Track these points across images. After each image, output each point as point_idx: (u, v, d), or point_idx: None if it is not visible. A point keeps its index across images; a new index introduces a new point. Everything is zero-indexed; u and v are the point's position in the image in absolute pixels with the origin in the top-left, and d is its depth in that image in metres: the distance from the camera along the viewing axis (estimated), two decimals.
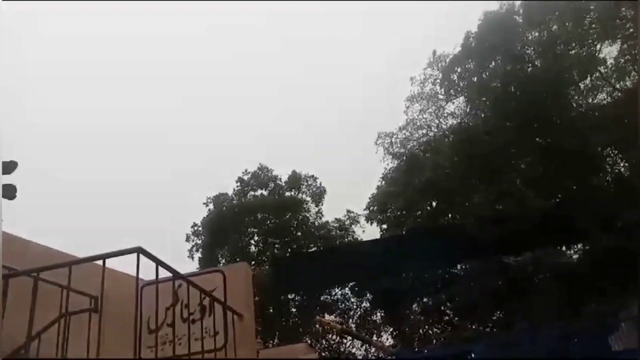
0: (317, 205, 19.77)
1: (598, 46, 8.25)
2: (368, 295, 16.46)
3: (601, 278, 6.81)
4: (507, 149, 6.84)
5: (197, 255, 18.73)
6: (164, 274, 5.95)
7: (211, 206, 19.66)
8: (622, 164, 6.91)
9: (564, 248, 8.57)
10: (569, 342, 6.10)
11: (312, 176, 20.07)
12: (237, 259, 15.91)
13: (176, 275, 6.06)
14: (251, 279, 8.53)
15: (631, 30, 6.80)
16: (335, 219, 19.27)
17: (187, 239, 19.31)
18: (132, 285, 5.34)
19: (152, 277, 5.74)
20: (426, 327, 13.90)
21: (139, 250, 5.49)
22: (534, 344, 6.74)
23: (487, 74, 10.71)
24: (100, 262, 5.01)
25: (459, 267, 14.28)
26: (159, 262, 5.80)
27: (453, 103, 16.21)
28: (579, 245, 6.97)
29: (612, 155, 7.03)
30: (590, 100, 8.50)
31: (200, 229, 19.34)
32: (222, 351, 7.21)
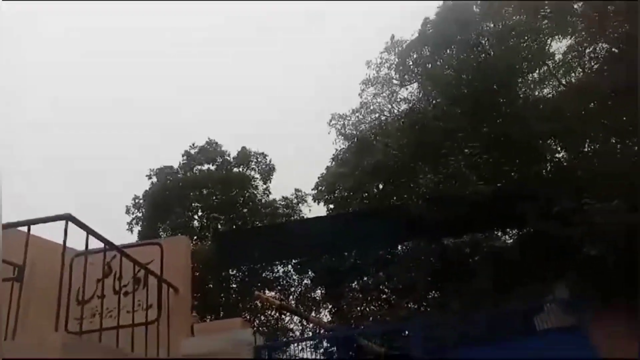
0: (265, 183, 19.53)
1: (549, 41, 8.46)
2: (310, 273, 16.53)
3: (535, 262, 7.06)
4: (455, 135, 6.92)
5: (137, 228, 18.12)
6: (98, 245, 5.64)
7: (154, 179, 19.02)
8: (562, 154, 7.15)
9: (501, 232, 8.83)
10: (497, 320, 6.28)
11: (262, 153, 19.77)
12: (179, 234, 15.50)
13: (108, 245, 5.75)
14: (190, 253, 8.30)
15: (582, 26, 6.98)
16: (283, 197, 19.13)
17: (127, 211, 18.64)
18: (61, 255, 5.01)
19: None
20: (364, 305, 14.10)
21: (68, 218, 5.14)
22: (465, 322, 6.91)
23: (442, 61, 10.79)
24: (26, 230, 4.64)
25: (400, 247, 14.54)
26: (89, 231, 5.47)
27: (407, 89, 16.34)
28: (516, 230, 7.17)
29: (554, 145, 7.26)
30: (537, 93, 8.75)
31: (141, 201, 18.69)
32: (155, 324, 6.98)
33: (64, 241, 4.86)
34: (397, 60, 15.86)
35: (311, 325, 8.08)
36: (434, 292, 13.16)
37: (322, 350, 14.19)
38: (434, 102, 9.83)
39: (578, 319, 6.15)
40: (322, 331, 9.11)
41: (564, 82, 8.12)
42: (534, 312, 6.61)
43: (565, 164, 7.04)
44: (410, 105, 14.56)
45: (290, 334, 14.53)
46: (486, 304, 8.78)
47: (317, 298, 16.44)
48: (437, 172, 6.80)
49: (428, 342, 6.80)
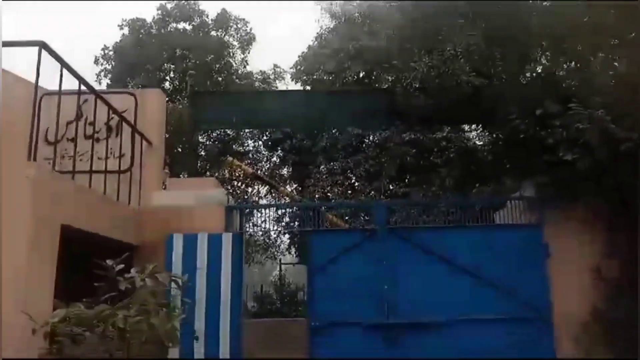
0: (243, 53, 18.74)
1: None
2: (279, 151, 16.63)
3: (509, 161, 7.24)
4: (454, 22, 6.63)
5: (106, 81, 17.40)
6: (68, 87, 5.34)
7: (126, 30, 17.92)
8: (555, 61, 7.05)
9: (480, 129, 8.93)
10: (460, 210, 6.55)
11: (243, 19, 18.70)
12: None
13: (83, 84, 5.45)
14: (165, 107, 8.05)
15: None
16: (260, 71, 18.55)
17: (96, 62, 17.74)
18: (32, 92, 4.74)
19: (55, 88, 5.12)
20: (329, 187, 14.46)
21: (42, 45, 4.78)
22: (427, 211, 7.19)
23: None
24: None
25: (373, 136, 14.64)
26: (63, 64, 5.14)
27: None
28: (495, 128, 7.24)
29: (548, 52, 7.13)
30: None
31: (111, 53, 17.75)
32: (127, 174, 6.95)
33: (37, 71, 4.59)
34: None
35: (281, 196, 8.22)
36: (399, 182, 13.53)
37: (289, 218, 14.79)
38: None
39: (538, 217, 6.49)
40: (293, 203, 9.33)
41: None
42: (497, 207, 6.91)
43: (557, 71, 6.95)
44: None
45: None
46: (449, 195, 9.17)
47: (285, 176, 16.71)
48: (429, 58, 6.60)
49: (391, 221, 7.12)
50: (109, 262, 3.60)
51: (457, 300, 6.25)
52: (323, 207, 7.83)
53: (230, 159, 9.97)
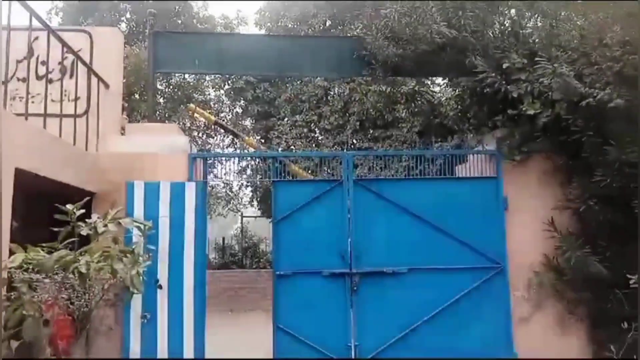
0: None
1: None
2: (242, 101, 16.26)
3: (472, 115, 7.31)
4: None
5: (57, 19, 16.34)
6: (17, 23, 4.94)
7: None
8: (523, 14, 7.03)
9: (445, 81, 8.92)
10: (420, 162, 6.62)
11: None
12: None
13: (36, 18, 5.07)
14: (122, 48, 7.64)
15: None
16: (223, 15, 17.83)
17: None
18: None
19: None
20: (293, 140, 14.35)
21: None
22: (391, 164, 7.24)
23: None
24: None
25: (337, 88, 14.49)
26: None
27: None
28: (459, 81, 7.24)
29: (517, 4, 7.10)
30: None
31: None
32: (83, 118, 6.64)
33: None
34: None
35: (245, 147, 8.06)
36: (363, 137, 13.54)
37: (252, 171, 14.64)
38: None
39: (498, 170, 6.64)
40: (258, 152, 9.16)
41: None
42: (459, 161, 7.02)
43: (524, 25, 6.96)
44: None
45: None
46: (412, 148, 9.24)
47: (248, 127, 16.43)
48: (403, 5, 6.45)
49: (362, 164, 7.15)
50: (69, 207, 3.45)
51: (418, 251, 6.41)
52: (289, 158, 7.74)
53: (191, 105, 9.61)
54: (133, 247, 3.45)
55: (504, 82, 6.32)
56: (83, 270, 3.04)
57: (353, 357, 6.14)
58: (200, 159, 6.48)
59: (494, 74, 6.33)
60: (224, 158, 6.97)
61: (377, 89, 11.68)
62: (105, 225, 3.34)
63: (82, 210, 3.46)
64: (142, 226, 3.57)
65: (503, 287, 6.39)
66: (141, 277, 3.42)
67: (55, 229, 3.35)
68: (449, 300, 6.29)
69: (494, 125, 6.86)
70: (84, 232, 3.34)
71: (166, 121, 15.52)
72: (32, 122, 5.22)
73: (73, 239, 3.45)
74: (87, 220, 3.42)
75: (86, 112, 6.48)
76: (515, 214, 6.53)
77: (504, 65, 6.36)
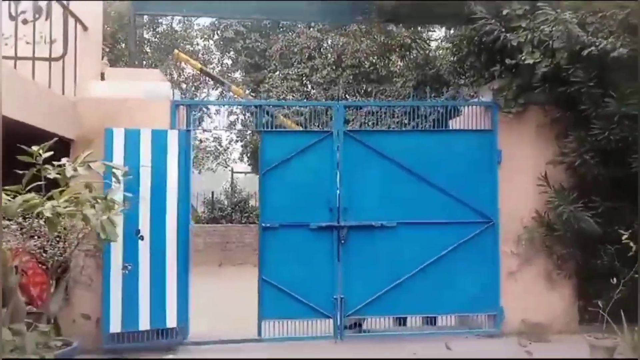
0: None
1: None
2: (232, 52, 15.76)
3: (469, 66, 7.04)
4: None
5: None
6: None
7: None
8: None
9: (441, 31, 8.58)
10: (413, 117, 6.37)
11: None
12: None
13: None
14: None
15: None
16: None
17: None
18: None
19: None
20: (283, 93, 14.00)
21: None
22: (383, 118, 6.99)
23: None
24: None
25: (330, 40, 14.05)
26: None
27: None
28: (454, 31, 6.93)
29: None
30: None
31: None
32: (60, 62, 6.27)
33: None
34: None
35: (233, 97, 7.74)
36: (356, 92, 13.22)
37: (242, 125, 14.32)
38: None
39: (493, 123, 6.43)
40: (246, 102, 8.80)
41: None
42: (452, 114, 6.79)
43: None
44: None
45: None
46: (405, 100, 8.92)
47: (237, 79, 15.99)
48: None
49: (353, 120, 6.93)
50: (35, 148, 3.21)
51: (408, 205, 6.26)
52: (278, 108, 7.46)
53: (176, 51, 9.19)
54: (106, 193, 3.23)
55: (503, 29, 6.01)
56: (48, 214, 2.84)
57: (338, 310, 6.08)
58: (183, 106, 6.20)
59: (492, 21, 6.02)
60: (208, 106, 6.66)
61: (371, 37, 11.22)
62: (75, 169, 3.12)
63: (50, 153, 3.22)
64: (116, 171, 3.35)
65: (493, 242, 6.29)
66: (115, 225, 3.23)
67: (20, 172, 3.12)
68: (437, 254, 6.19)
69: (491, 77, 6.61)
70: (50, 175, 3.12)
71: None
72: (4, 63, 4.91)
73: (40, 183, 3.22)
74: (54, 162, 3.19)
75: (63, 56, 6.11)
76: (508, 168, 6.37)
77: (504, 12, 6.05)
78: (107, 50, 8.33)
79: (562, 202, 5.85)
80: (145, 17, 14.40)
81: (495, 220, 6.30)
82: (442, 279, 6.18)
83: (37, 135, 5.00)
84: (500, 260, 6.29)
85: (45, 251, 3.97)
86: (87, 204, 3.05)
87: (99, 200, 3.17)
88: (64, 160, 3.33)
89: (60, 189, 3.15)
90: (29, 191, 3.15)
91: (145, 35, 15.45)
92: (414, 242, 6.20)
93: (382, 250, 6.18)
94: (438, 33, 9.37)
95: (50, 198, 3.04)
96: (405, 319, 6.52)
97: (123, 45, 13.67)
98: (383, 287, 6.12)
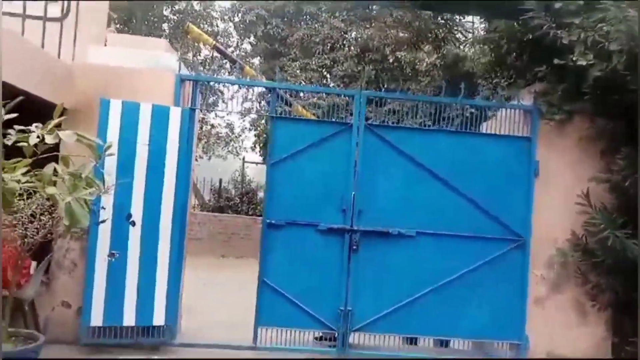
0: None
1: None
2: (252, 37, 15.19)
3: (509, 65, 6.38)
4: None
5: None
6: None
7: None
8: None
9: (484, 23, 7.89)
10: (443, 113, 5.72)
11: None
12: None
13: None
14: None
15: None
16: None
17: None
18: None
19: None
20: (301, 83, 13.37)
21: None
22: (405, 118, 6.33)
23: None
24: None
25: (355, 32, 13.40)
26: None
27: None
28: (499, 24, 6.24)
29: None
30: None
31: None
32: (58, 22, 5.66)
33: None
34: None
35: (243, 76, 7.14)
36: (376, 88, 12.56)
37: (253, 99, 13.67)
38: None
39: (532, 130, 5.77)
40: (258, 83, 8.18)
41: None
42: (484, 117, 6.12)
43: None
44: None
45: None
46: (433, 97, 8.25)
47: (255, 65, 15.40)
48: None
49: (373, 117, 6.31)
50: None
51: (431, 212, 5.62)
52: (292, 93, 6.85)
53: (189, 24, 8.56)
54: (79, 171, 2.66)
55: (553, 24, 5.33)
56: None
57: (343, 323, 5.46)
58: (190, 82, 5.60)
59: (543, 15, 5.34)
60: (223, 91, 6.06)
61: (401, 26, 10.48)
62: (40, 137, 2.54)
63: (13, 115, 2.64)
64: (94, 144, 2.76)
65: (522, 263, 5.62)
66: (87, 207, 2.66)
67: None
68: (459, 271, 5.54)
69: (533, 79, 5.94)
70: (8, 142, 2.54)
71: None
72: None
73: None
74: (15, 126, 2.61)
75: (63, 17, 5.53)
76: (544, 181, 5.70)
77: (556, 5, 5.36)
78: (118, 24, 7.76)
79: (608, 226, 5.15)
80: None
81: (526, 238, 5.63)
82: (462, 298, 5.52)
83: (29, 100, 4.45)
84: (529, 284, 5.63)
85: (14, 231, 3.41)
86: (48, 178, 2.47)
87: (68, 178, 2.59)
88: (33, 126, 2.75)
89: (18, 159, 2.57)
90: None
91: (165, 13, 14.91)
92: (434, 254, 5.56)
93: (397, 260, 5.54)
94: (471, 24, 8.68)
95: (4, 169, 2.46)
96: (416, 339, 5.89)
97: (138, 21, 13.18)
98: (395, 303, 5.47)
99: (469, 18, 10.35)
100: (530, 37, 5.57)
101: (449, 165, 5.68)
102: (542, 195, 5.69)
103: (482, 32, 7.79)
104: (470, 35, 10.35)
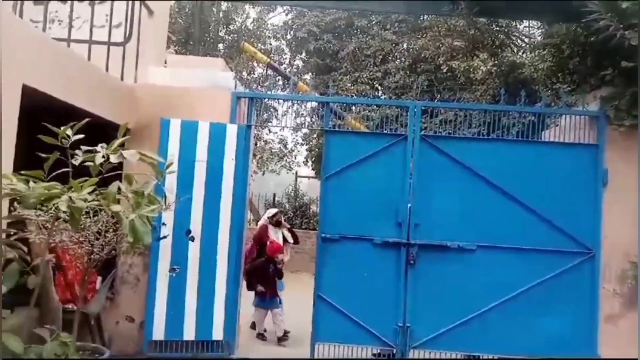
0: None
1: None
2: (303, 54, 15.38)
3: (573, 69, 6.09)
4: None
5: None
6: None
7: None
8: None
9: (544, 25, 7.59)
10: (496, 127, 5.52)
11: None
12: None
13: None
14: None
15: None
16: None
17: None
18: None
19: None
20: (353, 96, 13.39)
21: None
22: (468, 118, 6.15)
23: None
24: None
25: (406, 44, 13.31)
26: None
27: None
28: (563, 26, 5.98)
29: None
30: None
31: None
32: (121, 47, 5.94)
33: None
34: None
35: (297, 92, 7.22)
36: (430, 99, 12.37)
37: (305, 114, 13.76)
38: None
39: (599, 137, 5.46)
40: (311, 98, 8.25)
41: None
42: (544, 125, 5.87)
43: None
44: None
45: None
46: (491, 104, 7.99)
47: (307, 81, 15.59)
48: None
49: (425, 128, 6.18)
50: (64, 129, 2.77)
51: (491, 225, 5.42)
52: (345, 107, 6.83)
53: (243, 42, 8.80)
54: (141, 188, 2.76)
55: (620, 25, 5.05)
56: (63, 207, 2.37)
57: (402, 340, 5.32)
58: (245, 99, 5.71)
59: (609, 15, 5.07)
60: (276, 107, 6.14)
61: (455, 35, 10.26)
62: (105, 157, 2.65)
63: (81, 136, 2.77)
64: (154, 163, 2.85)
65: (592, 278, 5.30)
66: (150, 225, 2.74)
67: (44, 155, 2.68)
68: (522, 286, 5.29)
69: (599, 83, 5.64)
70: (76, 162, 2.66)
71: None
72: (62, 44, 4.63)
73: (67, 169, 2.77)
74: (82, 147, 2.74)
75: (126, 40, 5.81)
76: (613, 191, 5.38)
77: (623, 5, 5.09)
78: (177, 46, 8.06)
79: None
80: (220, 13, 14.35)
81: (596, 251, 5.31)
82: (527, 315, 5.26)
83: (90, 121, 4.68)
84: (600, 299, 5.29)
85: (82, 247, 3.56)
86: (113, 197, 2.57)
87: (131, 196, 2.68)
88: (100, 146, 2.87)
89: (85, 178, 2.68)
90: (56, 179, 2.69)
91: (220, 34, 15.40)
92: (495, 269, 5.34)
93: (456, 275, 5.36)
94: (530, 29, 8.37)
95: (73, 188, 2.57)
96: (478, 357, 5.64)
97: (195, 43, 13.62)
98: (456, 319, 5.29)
99: (526, 23, 10.00)
100: (594, 39, 5.29)
101: (510, 176, 5.47)
102: (611, 205, 5.37)
103: (539, 38, 7.46)
104: (527, 41, 9.97)
